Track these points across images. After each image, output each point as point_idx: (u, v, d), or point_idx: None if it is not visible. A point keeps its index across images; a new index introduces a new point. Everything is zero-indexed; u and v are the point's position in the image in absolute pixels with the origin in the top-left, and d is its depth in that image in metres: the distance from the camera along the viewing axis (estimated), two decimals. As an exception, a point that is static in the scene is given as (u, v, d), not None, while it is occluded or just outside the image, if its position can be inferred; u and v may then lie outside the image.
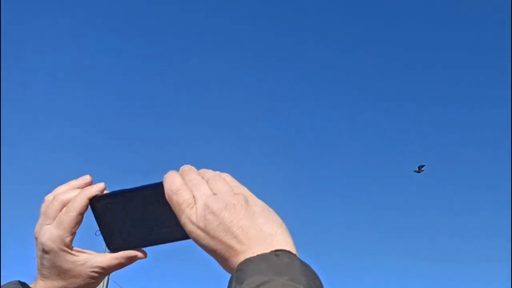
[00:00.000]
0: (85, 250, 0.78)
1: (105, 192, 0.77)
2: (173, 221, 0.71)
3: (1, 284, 0.78)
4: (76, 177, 0.79)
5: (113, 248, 0.78)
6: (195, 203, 0.68)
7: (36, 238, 0.77)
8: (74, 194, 0.77)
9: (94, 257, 0.78)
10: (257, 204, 0.69)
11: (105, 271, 0.79)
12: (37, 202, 0.79)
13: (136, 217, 0.75)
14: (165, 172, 0.73)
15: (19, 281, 0.78)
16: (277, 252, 0.63)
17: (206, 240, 0.67)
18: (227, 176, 0.73)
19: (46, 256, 0.76)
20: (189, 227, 0.68)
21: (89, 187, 0.78)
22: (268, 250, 0.64)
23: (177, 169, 0.74)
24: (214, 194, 0.69)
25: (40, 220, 0.77)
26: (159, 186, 0.73)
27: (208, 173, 0.73)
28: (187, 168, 0.74)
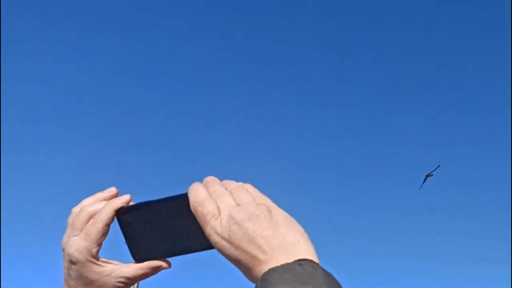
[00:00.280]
0: (111, 261, 0.80)
1: (131, 203, 0.79)
2: (197, 231, 0.72)
3: None
4: (101, 189, 0.81)
5: (138, 259, 0.80)
6: (219, 214, 0.70)
7: (64, 249, 0.79)
8: (100, 206, 0.78)
9: (119, 267, 0.80)
10: (280, 214, 0.70)
11: (130, 281, 0.81)
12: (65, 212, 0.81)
13: (161, 228, 0.77)
14: (185, 182, 0.75)
15: None
16: (301, 262, 0.64)
17: (231, 250, 0.68)
18: (249, 187, 0.74)
19: (73, 267, 0.78)
20: (214, 237, 0.69)
21: (115, 199, 0.79)
22: (291, 260, 0.65)
23: (200, 179, 0.76)
24: (238, 205, 0.70)
25: (67, 232, 0.79)
26: (184, 198, 0.74)
27: (231, 184, 0.74)
28: (210, 179, 0.76)
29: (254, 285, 0.66)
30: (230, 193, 0.72)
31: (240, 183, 0.75)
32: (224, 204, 0.70)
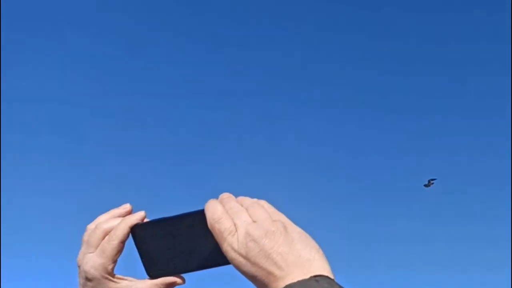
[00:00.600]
0: (126, 277, 0.80)
1: (146, 220, 0.80)
2: (214, 248, 0.73)
3: None
4: (114, 204, 0.82)
5: (152, 275, 0.80)
6: (236, 230, 0.71)
7: (79, 266, 0.79)
8: (115, 222, 0.79)
9: (134, 284, 0.80)
10: (295, 230, 0.71)
11: None
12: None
13: (176, 245, 0.77)
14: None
15: None
16: (317, 278, 0.65)
17: (247, 266, 0.69)
18: (265, 203, 0.75)
19: (89, 283, 0.78)
20: (231, 254, 0.70)
21: (130, 215, 0.80)
22: (307, 276, 0.66)
23: (215, 196, 0.77)
24: (254, 221, 0.71)
25: (82, 249, 0.79)
26: (199, 214, 0.75)
27: (247, 200, 0.75)
28: (226, 196, 0.76)
29: None
30: (246, 209, 0.73)
31: (255, 200, 0.76)
32: (241, 221, 0.71)
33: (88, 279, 0.78)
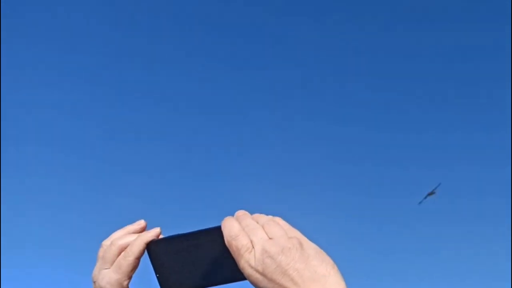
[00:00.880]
0: None
1: (161, 236, 0.80)
2: (231, 264, 0.74)
3: None
4: (130, 221, 0.83)
5: None
6: (253, 247, 0.72)
7: (95, 282, 0.80)
8: (130, 239, 0.80)
9: None
10: (311, 247, 0.73)
11: None
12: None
13: (192, 261, 0.78)
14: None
15: None
16: None
17: (264, 283, 0.70)
18: (280, 220, 0.76)
19: None
20: (248, 270, 0.71)
21: (146, 232, 0.81)
22: None
23: (230, 213, 0.78)
24: (270, 238, 0.72)
25: (98, 264, 0.80)
26: (215, 231, 0.76)
27: (262, 218, 0.77)
28: (241, 213, 0.78)
29: None
30: (262, 226, 0.74)
31: (271, 217, 0.77)
32: (257, 238, 0.72)
33: None
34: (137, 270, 0.80)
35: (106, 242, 0.81)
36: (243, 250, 0.72)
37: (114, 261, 0.79)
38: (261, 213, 0.79)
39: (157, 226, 0.82)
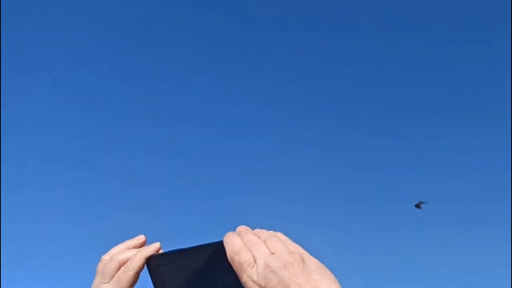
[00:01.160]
0: None
1: (161, 251, 0.81)
2: (233, 279, 0.74)
3: None
4: (129, 236, 0.83)
5: None
6: (255, 262, 0.72)
7: None
8: (130, 254, 0.80)
9: None
10: (312, 262, 0.74)
11: None
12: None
13: (193, 276, 0.78)
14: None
15: None
16: None
17: None
18: (281, 236, 0.77)
19: None
20: (251, 285, 0.72)
21: (146, 247, 0.81)
22: None
23: (230, 228, 0.79)
24: (272, 253, 0.73)
25: (97, 279, 0.80)
26: (217, 246, 0.76)
27: (264, 233, 0.77)
28: (243, 229, 0.78)
29: None
30: (264, 242, 0.75)
31: (272, 232, 0.78)
32: (260, 253, 0.73)
33: None
34: (136, 286, 0.80)
35: (105, 257, 0.81)
36: (246, 265, 0.72)
37: (113, 276, 0.79)
38: (262, 228, 0.79)
39: (157, 241, 0.82)
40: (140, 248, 0.81)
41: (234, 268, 0.74)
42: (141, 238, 0.83)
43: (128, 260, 0.79)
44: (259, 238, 0.76)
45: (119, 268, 0.79)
